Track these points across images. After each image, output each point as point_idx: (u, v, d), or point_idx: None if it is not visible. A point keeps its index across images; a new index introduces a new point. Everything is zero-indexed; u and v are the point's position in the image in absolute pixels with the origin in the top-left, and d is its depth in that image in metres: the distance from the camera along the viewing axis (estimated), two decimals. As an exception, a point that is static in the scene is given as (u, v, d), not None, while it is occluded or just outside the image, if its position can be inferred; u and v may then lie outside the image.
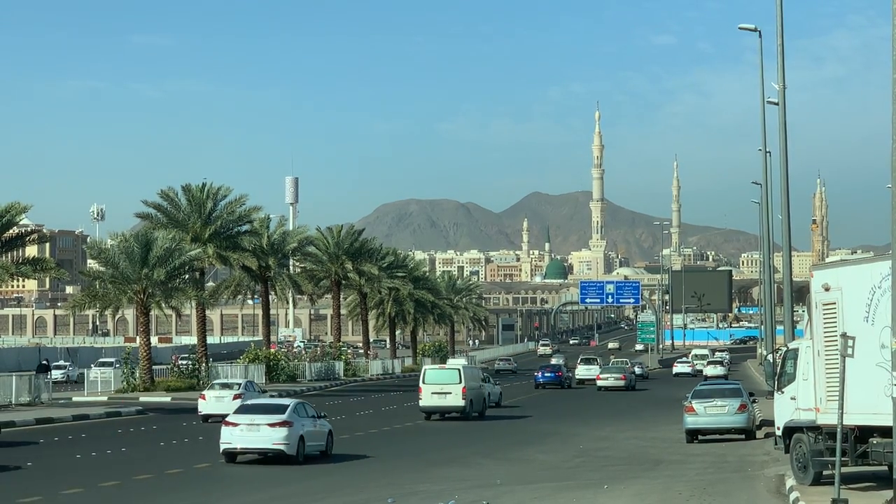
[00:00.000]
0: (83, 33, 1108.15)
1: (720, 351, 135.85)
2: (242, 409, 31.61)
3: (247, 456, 30.63)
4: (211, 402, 46.28)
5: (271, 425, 29.96)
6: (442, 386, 48.83)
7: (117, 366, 68.38)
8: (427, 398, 48.80)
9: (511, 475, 28.28)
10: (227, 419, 30.99)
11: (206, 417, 45.40)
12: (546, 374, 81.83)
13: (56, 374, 66.06)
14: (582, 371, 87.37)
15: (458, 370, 50.37)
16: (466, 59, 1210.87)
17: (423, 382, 49.10)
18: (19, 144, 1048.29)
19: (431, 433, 42.83)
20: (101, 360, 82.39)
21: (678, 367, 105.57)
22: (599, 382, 77.27)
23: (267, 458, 30.31)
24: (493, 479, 27.19)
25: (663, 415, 50.99)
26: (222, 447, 30.24)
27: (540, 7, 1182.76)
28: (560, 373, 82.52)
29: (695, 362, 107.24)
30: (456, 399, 48.64)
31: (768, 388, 39.74)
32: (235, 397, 44.67)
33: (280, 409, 30.91)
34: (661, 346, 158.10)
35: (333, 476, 27.84)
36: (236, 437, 29.98)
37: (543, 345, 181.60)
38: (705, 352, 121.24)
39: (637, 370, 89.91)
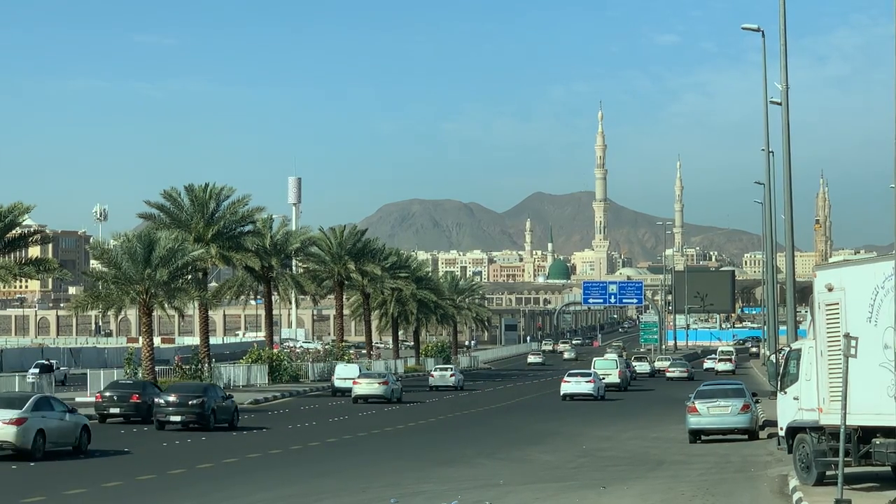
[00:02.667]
0: (85, 33, 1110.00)
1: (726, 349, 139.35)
2: None
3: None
4: None
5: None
6: (605, 371, 74.25)
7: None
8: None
9: (514, 475, 28.27)
10: None
11: None
12: None
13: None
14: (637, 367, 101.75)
15: (615, 360, 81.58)
16: (470, 59, 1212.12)
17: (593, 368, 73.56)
18: (22, 145, 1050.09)
19: (434, 433, 42.81)
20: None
21: (708, 363, 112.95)
22: (669, 374, 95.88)
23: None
24: (495, 479, 27.18)
25: (666, 415, 50.96)
26: None
27: (543, 6, 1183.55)
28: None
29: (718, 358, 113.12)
30: (614, 378, 75.00)
31: (771, 388, 39.71)
32: None
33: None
34: (663, 346, 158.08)
35: (336, 476, 27.83)
36: None
37: (546, 345, 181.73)
38: (730, 348, 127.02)
39: None
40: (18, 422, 30.25)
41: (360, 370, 70.54)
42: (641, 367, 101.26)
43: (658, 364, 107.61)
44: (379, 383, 63.71)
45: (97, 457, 32.07)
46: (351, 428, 43.69)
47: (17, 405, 30.95)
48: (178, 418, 42.36)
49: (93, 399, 48.53)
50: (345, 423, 46.73)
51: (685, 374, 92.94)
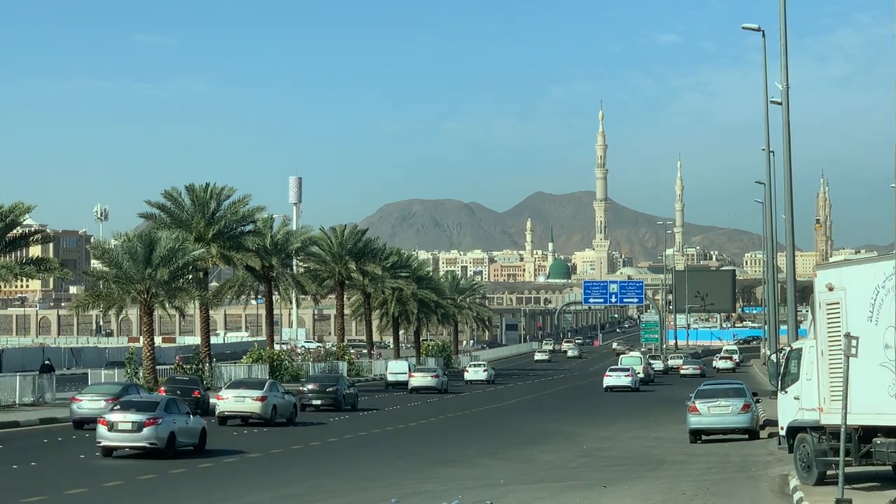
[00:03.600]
0: (86, 33, 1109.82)
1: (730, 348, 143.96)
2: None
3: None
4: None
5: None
6: (632, 367, 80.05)
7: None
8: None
9: (514, 475, 28.29)
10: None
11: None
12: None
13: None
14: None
15: (640, 358, 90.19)
16: (470, 59, 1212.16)
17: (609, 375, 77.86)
18: (23, 144, 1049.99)
19: (435, 433, 42.86)
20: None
21: (718, 362, 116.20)
22: (683, 371, 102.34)
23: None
24: (496, 478, 27.20)
25: (667, 414, 50.99)
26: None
27: (544, 6, 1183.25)
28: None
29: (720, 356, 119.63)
30: (640, 373, 79.83)
31: (772, 387, 39.72)
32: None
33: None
34: (664, 345, 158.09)
35: (337, 476, 27.86)
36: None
37: (547, 344, 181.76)
38: (734, 347, 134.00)
39: None
40: (154, 422, 31.15)
41: (409, 366, 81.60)
42: (657, 364, 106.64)
43: (671, 362, 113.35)
44: (431, 376, 74.77)
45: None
46: (351, 428, 43.78)
47: (149, 409, 31.82)
48: (318, 402, 54.08)
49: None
50: (345, 424, 46.83)
51: (698, 371, 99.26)
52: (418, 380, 74.38)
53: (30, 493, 23.82)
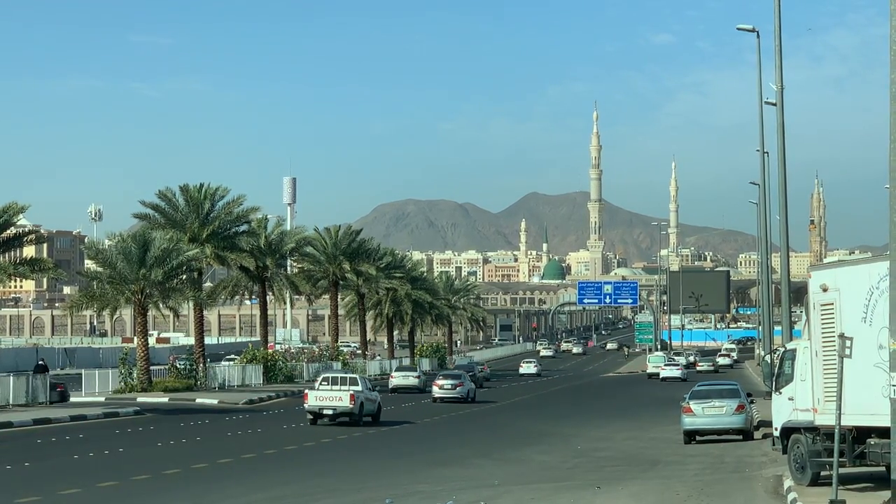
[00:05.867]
0: (81, 32, 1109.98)
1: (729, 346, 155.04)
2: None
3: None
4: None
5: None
6: (657, 364, 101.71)
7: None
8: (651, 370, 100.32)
9: (509, 475, 28.27)
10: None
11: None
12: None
13: None
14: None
15: (663, 356, 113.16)
16: (465, 59, 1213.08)
17: (650, 362, 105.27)
18: (17, 144, 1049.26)
19: (430, 433, 42.85)
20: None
21: (721, 360, 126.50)
22: (699, 368, 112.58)
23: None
24: (491, 479, 27.18)
25: (661, 415, 51.02)
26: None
27: (539, 6, 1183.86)
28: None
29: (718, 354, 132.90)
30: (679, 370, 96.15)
31: (766, 388, 39.73)
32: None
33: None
34: (658, 346, 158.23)
35: (331, 476, 27.84)
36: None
37: (541, 344, 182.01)
38: (733, 346, 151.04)
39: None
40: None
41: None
42: (681, 360, 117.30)
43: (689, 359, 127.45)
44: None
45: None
46: (347, 429, 43.73)
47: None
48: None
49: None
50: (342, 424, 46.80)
51: (711, 368, 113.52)
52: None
53: (23, 493, 23.76)
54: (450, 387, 63.52)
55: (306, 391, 46.39)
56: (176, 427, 43.22)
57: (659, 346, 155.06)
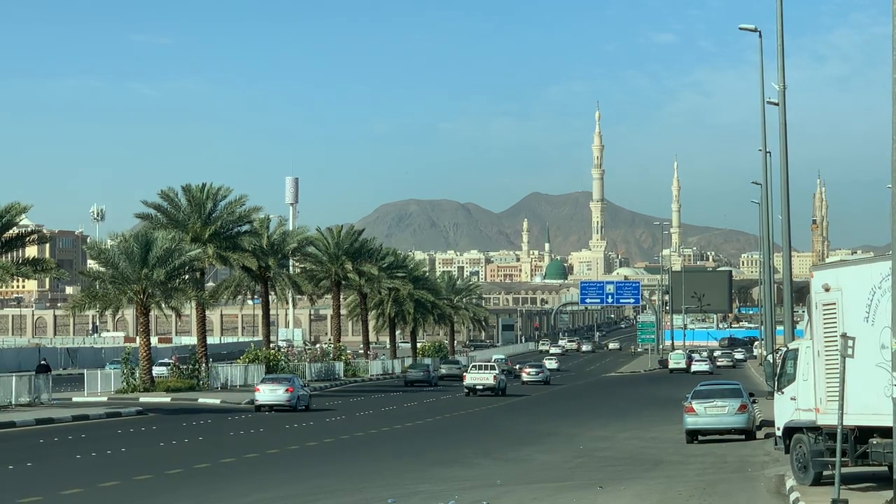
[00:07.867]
0: (81, 32, 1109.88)
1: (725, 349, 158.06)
2: None
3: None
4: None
5: None
6: (678, 360, 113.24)
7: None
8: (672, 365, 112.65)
9: (511, 475, 28.28)
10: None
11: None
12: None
13: None
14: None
15: (685, 354, 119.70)
16: (467, 59, 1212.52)
17: (671, 359, 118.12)
18: (18, 144, 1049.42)
19: (432, 434, 42.85)
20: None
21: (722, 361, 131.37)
22: (718, 364, 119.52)
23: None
24: (493, 479, 27.18)
25: (664, 415, 51.00)
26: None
27: (541, 5, 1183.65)
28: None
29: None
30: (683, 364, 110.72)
31: (768, 388, 39.71)
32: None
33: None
34: (661, 346, 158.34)
35: (333, 476, 27.85)
36: None
37: (544, 344, 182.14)
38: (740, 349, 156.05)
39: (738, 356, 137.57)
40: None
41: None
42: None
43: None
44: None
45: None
46: (348, 428, 43.76)
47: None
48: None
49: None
50: (342, 424, 46.79)
51: (731, 364, 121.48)
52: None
53: (25, 493, 23.79)
54: (536, 372, 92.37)
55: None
56: (178, 427, 43.26)
57: (672, 345, 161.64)
